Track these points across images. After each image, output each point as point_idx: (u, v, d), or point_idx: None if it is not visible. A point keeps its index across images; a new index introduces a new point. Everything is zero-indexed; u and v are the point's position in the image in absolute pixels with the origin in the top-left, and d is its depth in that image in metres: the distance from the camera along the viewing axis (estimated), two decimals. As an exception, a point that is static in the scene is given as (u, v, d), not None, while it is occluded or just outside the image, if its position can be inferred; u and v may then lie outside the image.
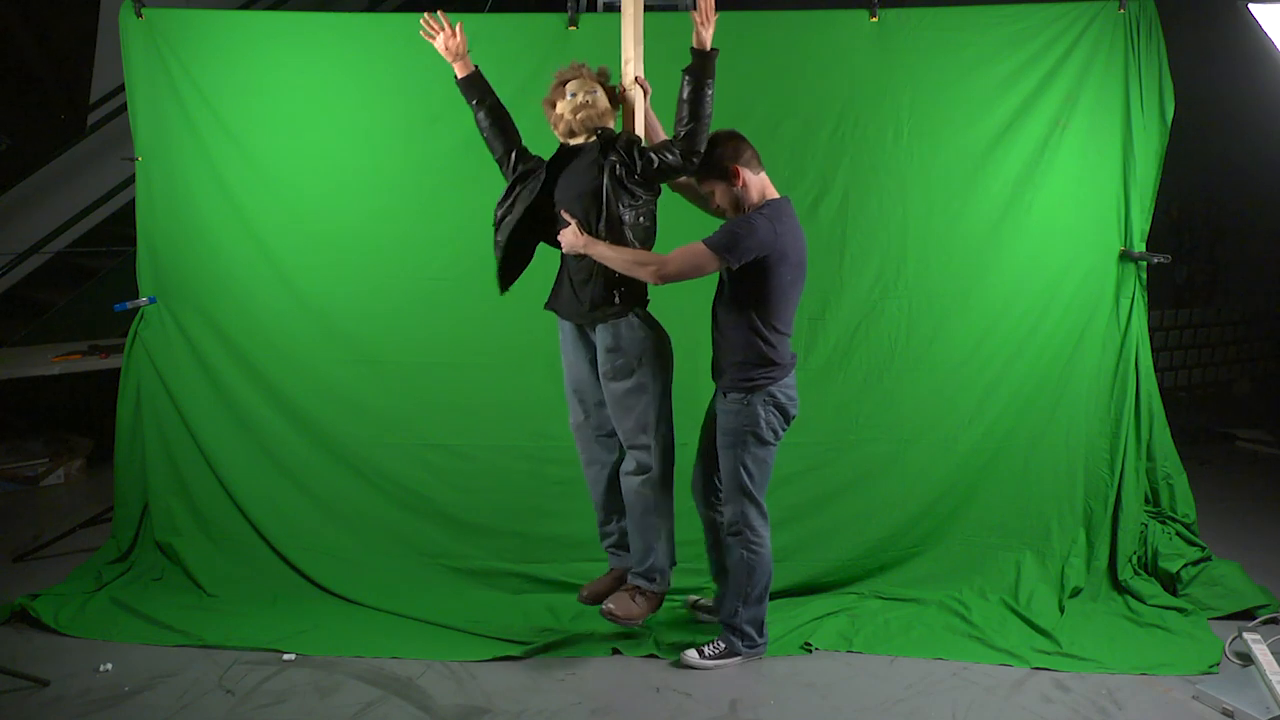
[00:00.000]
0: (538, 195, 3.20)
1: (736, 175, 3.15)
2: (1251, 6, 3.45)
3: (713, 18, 3.08)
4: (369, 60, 3.92)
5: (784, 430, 3.28)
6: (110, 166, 5.75)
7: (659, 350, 3.22)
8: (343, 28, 4.06)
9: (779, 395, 3.21)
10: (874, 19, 3.84)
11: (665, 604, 3.48)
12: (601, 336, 3.20)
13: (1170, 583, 3.78)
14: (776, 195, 3.23)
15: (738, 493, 3.26)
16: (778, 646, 3.45)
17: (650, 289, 3.24)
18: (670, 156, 3.11)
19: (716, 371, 3.30)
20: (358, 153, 3.95)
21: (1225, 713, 3.03)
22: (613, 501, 3.42)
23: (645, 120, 3.31)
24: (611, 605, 3.30)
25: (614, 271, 3.13)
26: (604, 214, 3.12)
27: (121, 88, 4.35)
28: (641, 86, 3.26)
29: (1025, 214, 3.91)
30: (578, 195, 3.16)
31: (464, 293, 3.96)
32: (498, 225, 3.29)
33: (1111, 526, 3.88)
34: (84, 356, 5.05)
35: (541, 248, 3.35)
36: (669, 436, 3.29)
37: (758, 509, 3.28)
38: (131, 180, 4.22)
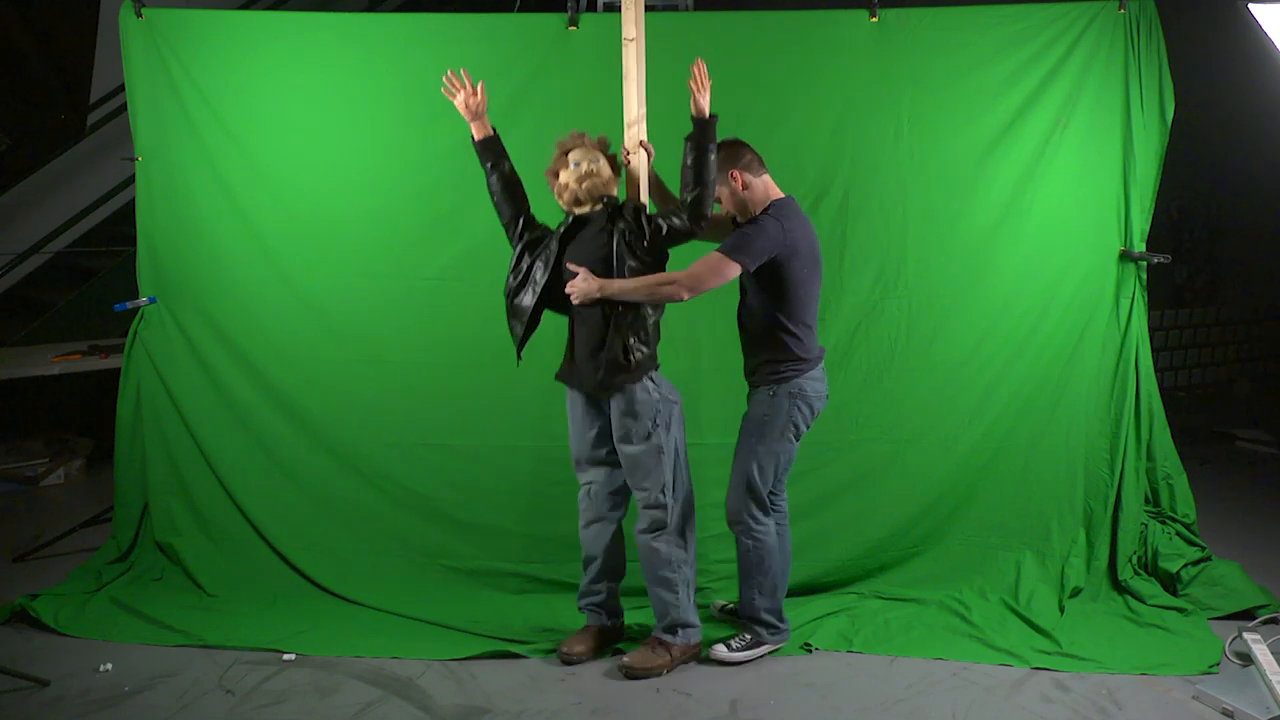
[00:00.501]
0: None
1: (735, 179, 3.19)
2: (1251, 6, 3.45)
3: (708, 84, 3.09)
4: (369, 60, 3.92)
5: (807, 428, 3.31)
6: (110, 166, 5.75)
7: (673, 410, 3.25)
8: (343, 28, 4.06)
9: (807, 389, 3.25)
10: (874, 19, 3.83)
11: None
12: (615, 402, 3.21)
13: (1170, 583, 3.78)
14: (781, 195, 3.25)
15: (742, 483, 3.29)
16: (778, 646, 3.46)
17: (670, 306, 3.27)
18: (678, 221, 3.14)
19: (745, 368, 3.36)
20: (358, 153, 3.95)
21: (1225, 713, 3.03)
22: (610, 562, 3.39)
23: (650, 182, 3.33)
24: (628, 659, 3.29)
25: (626, 337, 3.13)
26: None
27: (121, 88, 4.35)
28: (645, 149, 3.28)
29: (1025, 214, 3.90)
30: (585, 262, 3.16)
31: (464, 292, 3.96)
32: (510, 297, 3.29)
33: (1111, 526, 3.88)
34: (84, 356, 5.05)
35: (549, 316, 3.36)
36: (688, 491, 3.31)
37: (757, 501, 3.29)
38: (131, 180, 4.22)
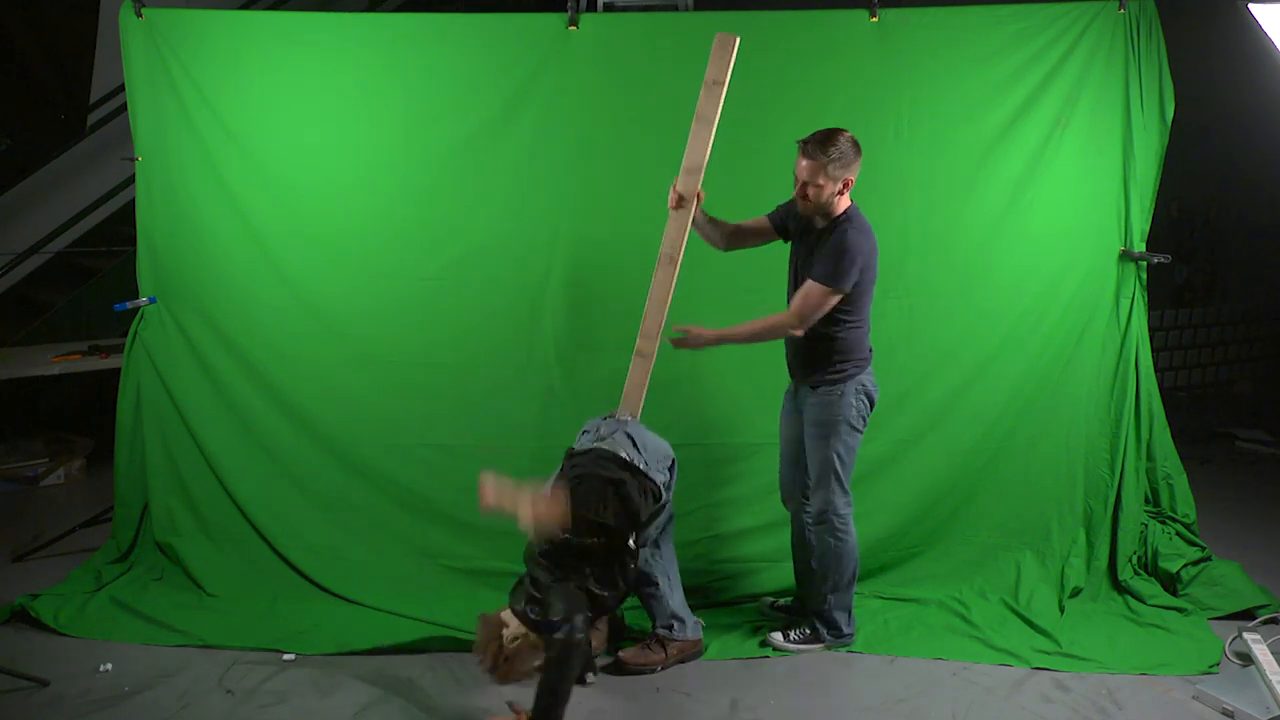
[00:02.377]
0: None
1: (848, 186, 3.20)
2: (1251, 6, 3.45)
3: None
4: (369, 60, 3.91)
5: (868, 418, 3.37)
6: (110, 166, 5.74)
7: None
8: (343, 28, 4.05)
9: (866, 383, 3.32)
10: (874, 19, 3.83)
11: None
12: None
13: (1170, 583, 3.79)
14: (850, 203, 3.26)
15: (829, 480, 3.33)
16: (778, 646, 3.46)
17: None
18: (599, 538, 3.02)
19: (800, 369, 3.37)
20: (358, 153, 3.94)
21: (1225, 713, 3.03)
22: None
23: (699, 225, 3.37)
24: (623, 654, 3.32)
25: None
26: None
27: (121, 88, 4.35)
28: (698, 197, 3.29)
29: (1025, 214, 3.90)
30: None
31: (464, 292, 3.96)
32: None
33: (1111, 526, 3.88)
34: (84, 356, 5.05)
35: None
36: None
37: (845, 497, 3.36)
38: (131, 180, 4.22)
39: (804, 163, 3.15)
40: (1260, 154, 6.59)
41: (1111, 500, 3.89)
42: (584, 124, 3.87)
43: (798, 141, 3.18)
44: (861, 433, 3.36)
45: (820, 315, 3.18)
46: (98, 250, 5.87)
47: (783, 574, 3.78)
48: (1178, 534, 3.96)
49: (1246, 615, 3.61)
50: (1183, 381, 7.23)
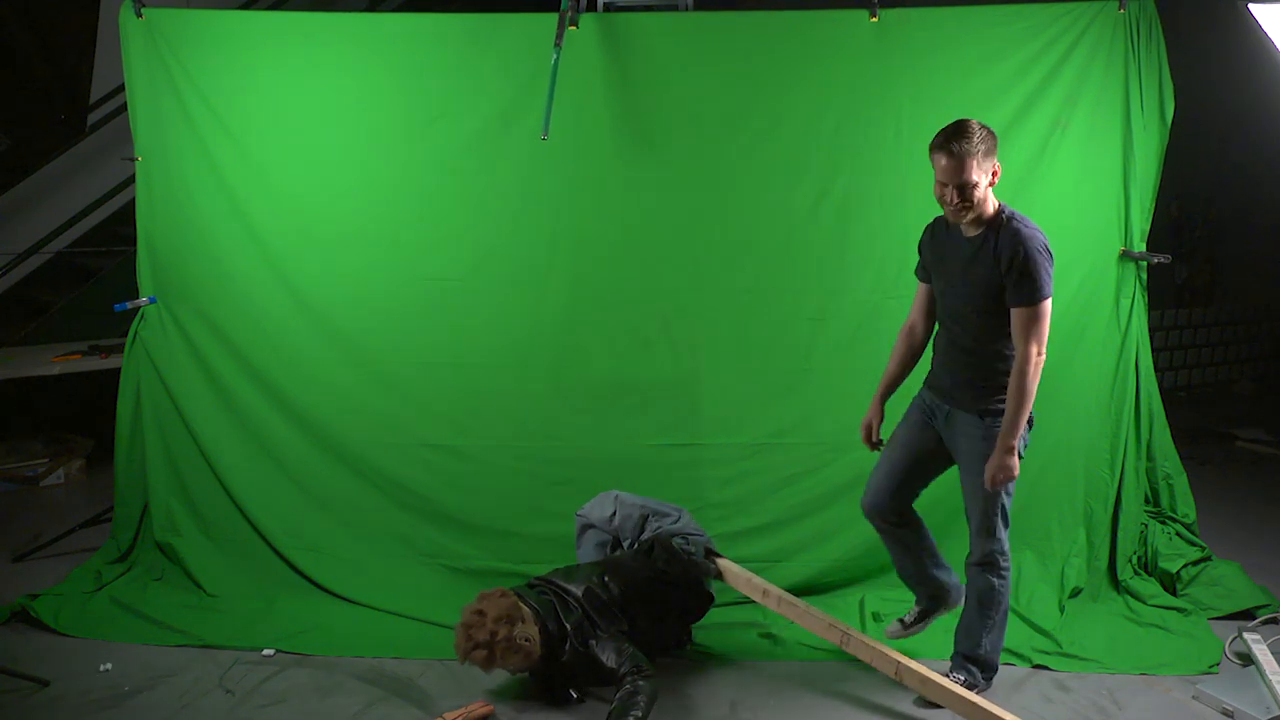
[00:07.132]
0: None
1: (996, 177, 2.92)
2: (1251, 6, 3.45)
3: None
4: (369, 60, 3.92)
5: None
6: (110, 166, 5.74)
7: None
8: (343, 28, 4.05)
9: (1032, 411, 2.97)
10: (874, 19, 3.82)
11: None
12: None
13: (1170, 583, 3.79)
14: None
15: (994, 522, 3.02)
16: (778, 646, 3.45)
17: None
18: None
19: (970, 394, 3.01)
20: (358, 153, 3.94)
21: (1225, 713, 3.03)
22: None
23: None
24: None
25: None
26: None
27: (121, 88, 4.35)
28: None
29: (1025, 214, 3.89)
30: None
31: (464, 293, 3.96)
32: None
33: (1111, 526, 3.88)
34: (84, 356, 5.05)
35: None
36: None
37: (1006, 531, 3.06)
38: (131, 180, 4.22)
39: (946, 163, 2.83)
40: (1260, 154, 6.59)
41: (1111, 500, 3.89)
42: (584, 123, 3.87)
43: (931, 147, 2.90)
44: (1022, 459, 2.99)
45: (1046, 330, 2.87)
46: (98, 250, 5.87)
47: (783, 574, 3.79)
48: (1178, 534, 3.96)
49: (1246, 615, 3.61)
50: (1183, 381, 7.23)
